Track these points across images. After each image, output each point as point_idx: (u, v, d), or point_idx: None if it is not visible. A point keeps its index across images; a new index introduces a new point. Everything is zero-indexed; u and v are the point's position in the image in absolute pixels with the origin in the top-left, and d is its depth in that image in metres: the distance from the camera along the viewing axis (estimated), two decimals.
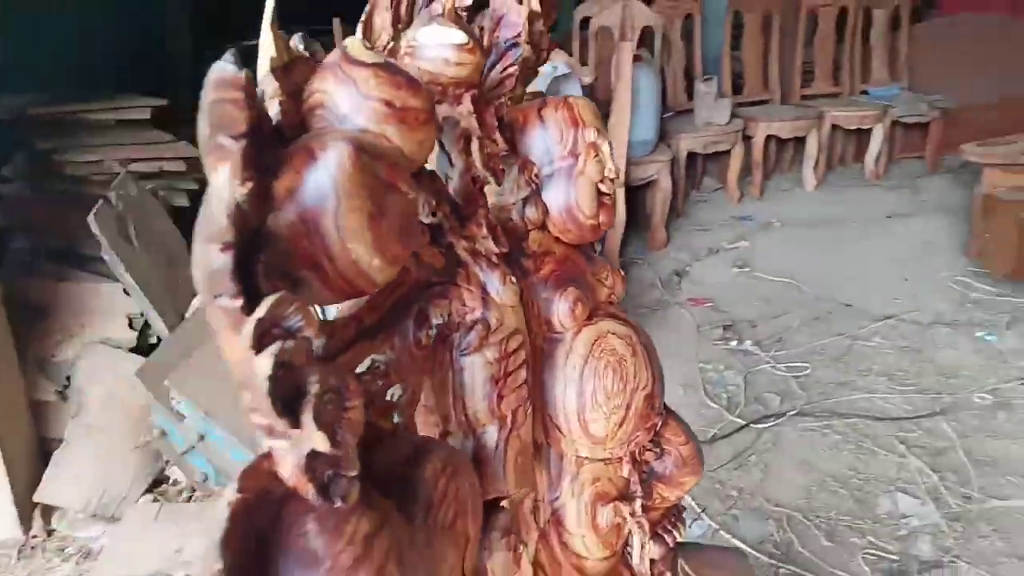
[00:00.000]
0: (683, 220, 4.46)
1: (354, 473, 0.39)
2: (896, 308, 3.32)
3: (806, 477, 2.33)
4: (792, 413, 2.63)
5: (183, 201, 2.87)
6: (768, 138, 4.71)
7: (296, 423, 0.36)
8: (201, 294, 0.36)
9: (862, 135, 4.96)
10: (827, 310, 3.35)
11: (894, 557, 2.01)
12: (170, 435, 2.27)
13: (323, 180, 0.39)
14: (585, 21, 4.29)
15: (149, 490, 2.30)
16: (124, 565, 1.99)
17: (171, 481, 2.35)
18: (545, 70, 2.95)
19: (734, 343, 3.14)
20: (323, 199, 0.39)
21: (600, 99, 3.66)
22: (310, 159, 0.40)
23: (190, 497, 2.30)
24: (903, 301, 3.39)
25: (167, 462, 2.34)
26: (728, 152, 4.60)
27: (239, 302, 0.35)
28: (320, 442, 0.36)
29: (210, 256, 0.35)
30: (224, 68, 0.37)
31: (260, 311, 0.35)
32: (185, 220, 2.88)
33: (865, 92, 5.04)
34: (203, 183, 0.38)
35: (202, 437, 2.27)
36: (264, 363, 0.34)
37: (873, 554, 2.02)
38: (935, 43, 5.13)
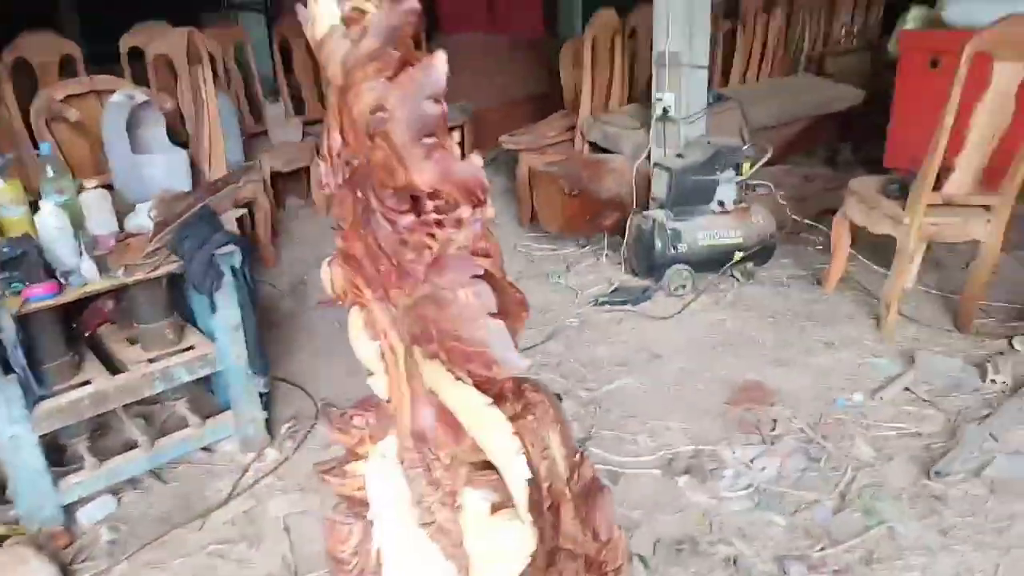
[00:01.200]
0: (283, 237, 4.65)
1: None
2: None
3: None
4: None
5: None
6: None
7: None
8: (404, 134, 0.58)
9: None
10: None
11: None
12: None
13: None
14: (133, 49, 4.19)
15: None
16: None
17: None
18: (119, 99, 2.93)
19: None
20: None
21: (180, 127, 3.67)
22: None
23: None
24: None
25: None
26: (307, 168, 4.92)
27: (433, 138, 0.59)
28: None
29: (428, 108, 0.58)
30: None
31: (456, 137, 0.59)
32: None
33: None
34: None
35: None
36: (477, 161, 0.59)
37: None
38: (449, 59, 6.07)
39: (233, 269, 2.45)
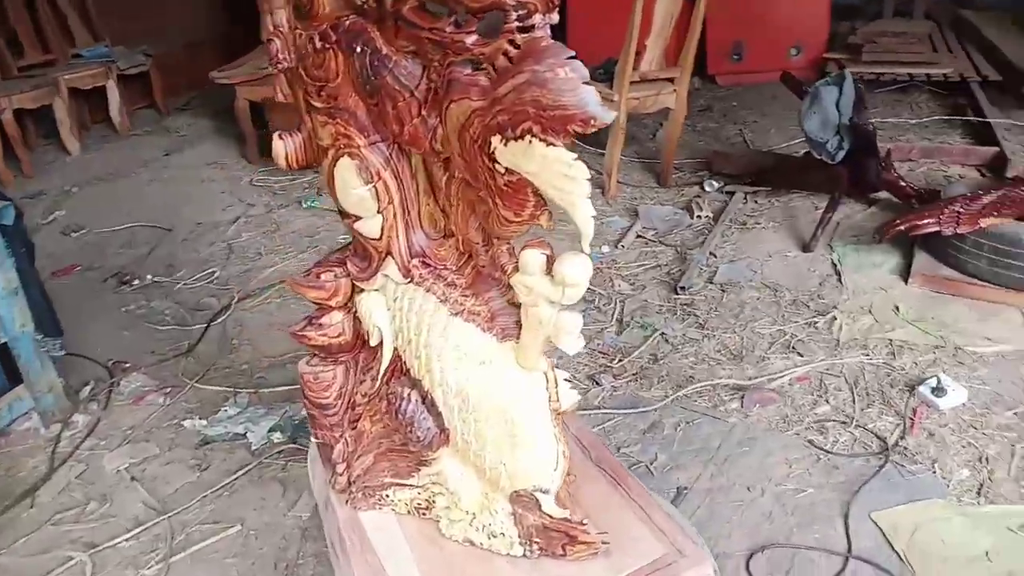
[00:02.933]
0: None
1: None
2: (239, 211, 3.96)
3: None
4: (236, 302, 3.08)
5: None
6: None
7: None
8: None
9: (97, 94, 5.19)
10: (188, 231, 3.77)
11: None
12: None
13: None
14: None
15: None
16: None
17: None
18: None
19: (137, 282, 3.32)
20: None
21: None
22: None
23: None
24: (235, 207, 4.03)
25: None
26: None
27: None
28: None
29: None
30: None
31: None
32: None
33: (79, 55, 5.21)
34: None
35: None
36: None
37: None
38: (121, 4, 5.56)
39: (4, 228, 2.24)
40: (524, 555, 1.17)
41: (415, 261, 1.14)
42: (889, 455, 2.03)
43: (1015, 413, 2.15)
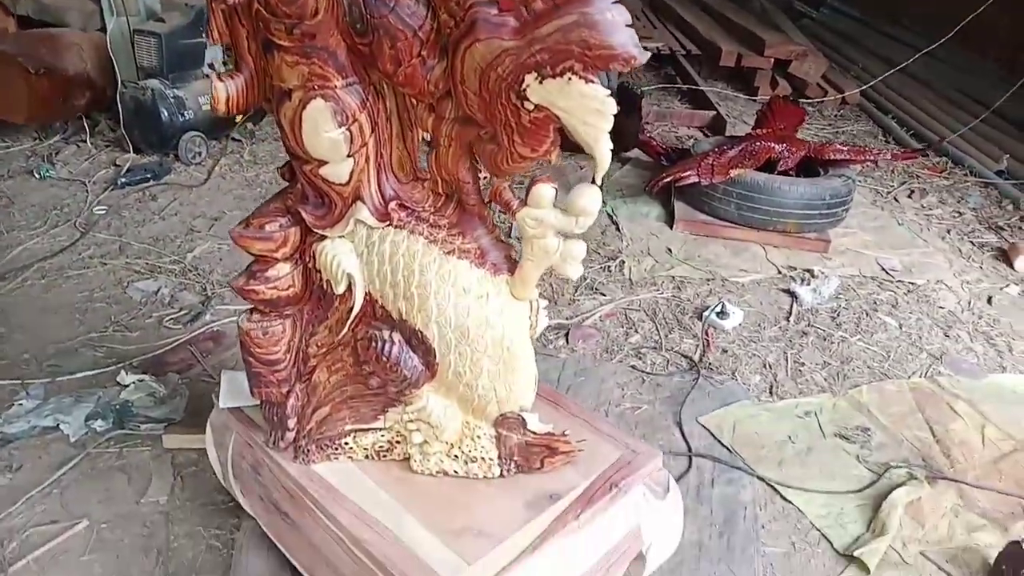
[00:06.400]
0: None
1: None
2: None
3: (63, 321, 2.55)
4: None
5: None
6: None
7: None
8: None
9: None
10: None
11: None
12: None
13: None
14: None
15: None
16: None
17: None
18: None
19: None
20: None
21: None
22: None
23: None
24: None
25: None
26: None
27: None
28: None
29: None
30: None
31: None
32: None
33: None
34: None
35: None
36: None
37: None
38: None
39: None
40: (501, 474, 1.25)
41: (392, 204, 1.14)
42: (700, 370, 2.38)
43: (778, 327, 2.63)
